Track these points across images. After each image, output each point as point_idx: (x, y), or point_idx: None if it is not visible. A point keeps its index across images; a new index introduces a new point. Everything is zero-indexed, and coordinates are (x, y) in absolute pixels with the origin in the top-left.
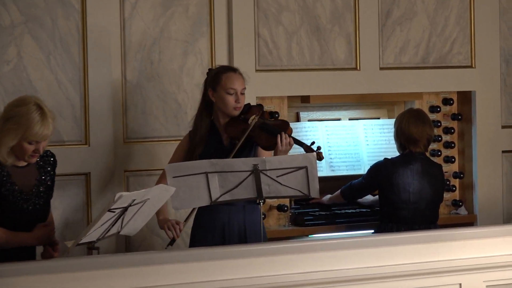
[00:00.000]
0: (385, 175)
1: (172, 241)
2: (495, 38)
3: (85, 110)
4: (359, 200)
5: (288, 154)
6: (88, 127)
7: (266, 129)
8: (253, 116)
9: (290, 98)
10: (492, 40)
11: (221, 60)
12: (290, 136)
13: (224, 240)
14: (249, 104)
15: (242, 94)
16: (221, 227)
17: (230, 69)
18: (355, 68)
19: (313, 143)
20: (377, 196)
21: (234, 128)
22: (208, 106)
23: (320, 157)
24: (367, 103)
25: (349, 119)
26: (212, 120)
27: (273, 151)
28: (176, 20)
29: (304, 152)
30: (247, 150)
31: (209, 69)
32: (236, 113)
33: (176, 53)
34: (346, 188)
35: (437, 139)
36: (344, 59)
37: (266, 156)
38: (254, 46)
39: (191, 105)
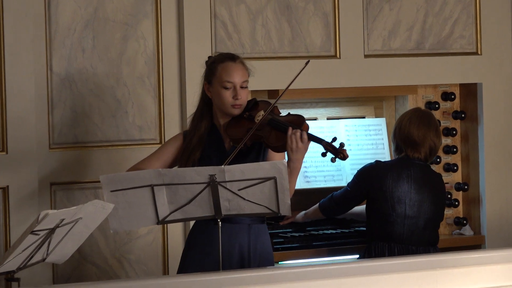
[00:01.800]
0: (376, 180)
1: None
2: (506, 19)
3: (2, 109)
4: (339, 215)
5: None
6: (6, 130)
7: (276, 126)
8: (261, 112)
9: (255, 92)
10: (502, 21)
11: (169, 46)
12: (304, 131)
13: (223, 265)
14: (254, 99)
15: (243, 88)
16: (218, 249)
17: (228, 58)
18: (335, 56)
19: (334, 139)
20: (363, 206)
21: (236, 129)
22: (208, 103)
23: (344, 155)
24: (349, 99)
25: (328, 119)
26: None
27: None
28: None
29: (324, 151)
30: (254, 154)
31: (209, 57)
32: (236, 111)
33: (113, 38)
34: (326, 200)
35: None
36: (321, 45)
37: (277, 160)
38: (209, 29)
39: (133, 102)
